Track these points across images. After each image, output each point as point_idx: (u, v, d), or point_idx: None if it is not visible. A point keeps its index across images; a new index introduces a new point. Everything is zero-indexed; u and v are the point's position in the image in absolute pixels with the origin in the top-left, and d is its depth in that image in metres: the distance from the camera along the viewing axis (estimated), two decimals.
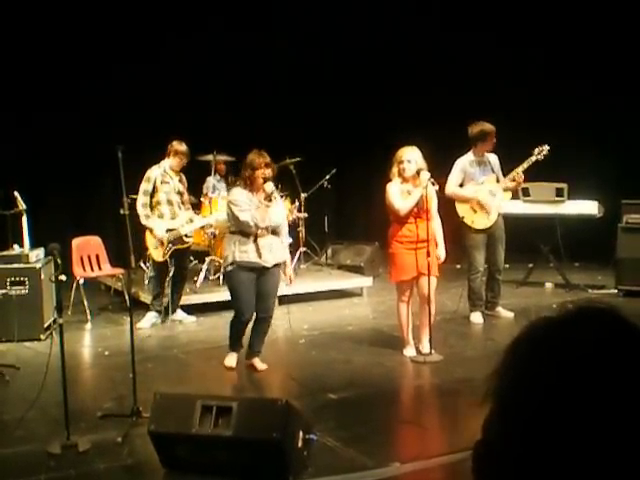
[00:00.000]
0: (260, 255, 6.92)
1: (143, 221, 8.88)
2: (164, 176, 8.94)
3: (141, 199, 8.91)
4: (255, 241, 6.92)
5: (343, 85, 13.06)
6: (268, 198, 7.00)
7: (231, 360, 7.29)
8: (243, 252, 6.90)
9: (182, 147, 9.04)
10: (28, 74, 11.23)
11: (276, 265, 7.09)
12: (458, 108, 11.33)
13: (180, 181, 9.14)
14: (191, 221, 9.21)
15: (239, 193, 6.99)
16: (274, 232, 7.06)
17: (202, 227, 9.78)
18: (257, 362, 7.27)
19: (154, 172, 8.93)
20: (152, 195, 8.92)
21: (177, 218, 9.05)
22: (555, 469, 0.88)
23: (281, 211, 7.25)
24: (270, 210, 7.00)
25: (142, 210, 8.89)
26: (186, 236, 9.11)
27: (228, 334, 7.29)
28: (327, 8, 12.75)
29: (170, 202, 9.01)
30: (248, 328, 7.25)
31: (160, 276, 9.12)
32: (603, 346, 0.91)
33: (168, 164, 9.01)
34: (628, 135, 10.98)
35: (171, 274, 9.15)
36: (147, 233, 8.95)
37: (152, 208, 8.94)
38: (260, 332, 7.26)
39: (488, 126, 8.69)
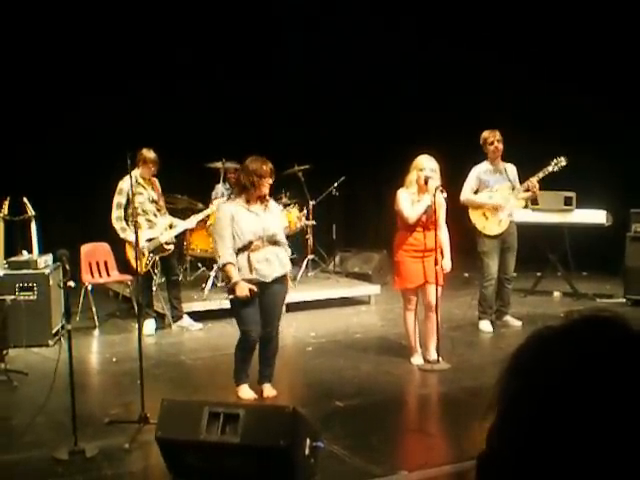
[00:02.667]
0: (252, 270, 6.42)
1: (121, 235, 8.79)
2: (136, 187, 8.64)
3: (115, 212, 8.78)
4: (248, 256, 6.42)
5: (352, 93, 13.07)
6: (265, 207, 6.55)
7: (246, 392, 6.70)
8: (237, 269, 6.41)
9: (150, 155, 8.87)
10: (37, 82, 11.28)
11: (278, 279, 6.57)
12: (467, 119, 11.35)
13: (153, 188, 9.03)
14: (170, 227, 9.15)
15: (226, 211, 6.52)
16: (274, 242, 6.54)
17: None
18: (266, 388, 6.78)
19: (126, 183, 8.49)
20: (126, 207, 8.70)
21: (155, 227, 8.97)
22: (557, 479, 0.88)
23: (278, 221, 6.73)
24: (265, 220, 6.51)
25: (117, 224, 8.78)
26: (166, 243, 9.04)
27: (234, 362, 6.74)
28: (338, 18, 12.77)
29: (145, 212, 8.90)
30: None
31: (146, 286, 8.90)
32: (608, 355, 0.91)
33: (138, 173, 8.79)
34: (637, 144, 10.96)
35: (162, 281, 9.20)
36: (127, 245, 8.82)
37: (127, 220, 8.76)
38: (266, 356, 6.76)
39: (486, 132, 8.72)
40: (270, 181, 6.52)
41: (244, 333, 6.59)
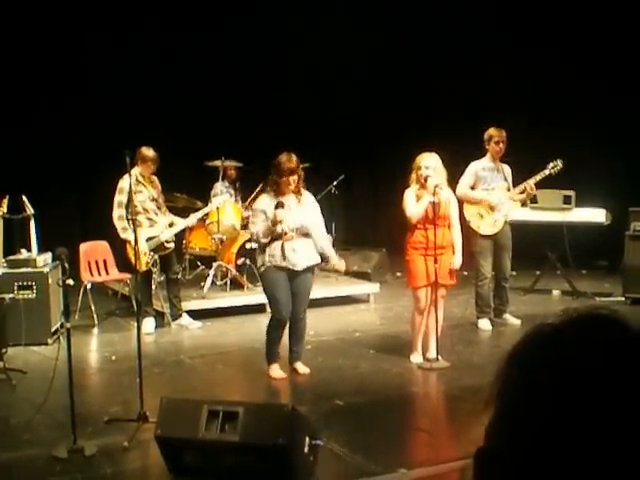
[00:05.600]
0: (285, 258, 6.90)
1: (122, 235, 8.74)
2: (137, 185, 8.59)
3: (117, 212, 8.73)
4: (282, 245, 6.90)
5: (352, 92, 13.06)
6: (299, 201, 7.04)
7: (277, 371, 7.19)
8: (271, 256, 6.94)
9: (150, 153, 8.82)
10: (36, 79, 11.28)
11: (308, 268, 7.07)
12: (466, 117, 11.35)
13: (153, 185, 9.01)
14: (171, 226, 9.13)
15: (261, 202, 7.08)
16: (305, 235, 7.02)
17: (208, 231, 9.77)
18: (299, 366, 7.30)
19: (126, 182, 8.34)
20: (127, 206, 8.54)
21: (156, 225, 8.96)
22: (558, 476, 0.88)
23: (311, 213, 7.14)
24: (297, 212, 6.97)
25: (119, 223, 8.73)
26: (167, 242, 9.02)
27: (265, 344, 7.22)
28: (340, 14, 12.77)
29: (146, 210, 8.88)
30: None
31: (145, 284, 8.88)
32: (606, 352, 0.91)
33: (138, 172, 8.74)
34: (636, 143, 10.96)
35: (162, 279, 9.27)
36: (127, 243, 8.75)
37: (129, 219, 8.59)
38: (296, 335, 7.26)
39: (493, 129, 8.72)
40: (293, 177, 6.94)
41: (275, 313, 7.12)
